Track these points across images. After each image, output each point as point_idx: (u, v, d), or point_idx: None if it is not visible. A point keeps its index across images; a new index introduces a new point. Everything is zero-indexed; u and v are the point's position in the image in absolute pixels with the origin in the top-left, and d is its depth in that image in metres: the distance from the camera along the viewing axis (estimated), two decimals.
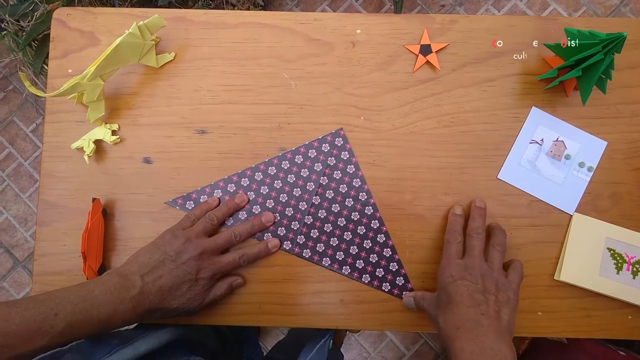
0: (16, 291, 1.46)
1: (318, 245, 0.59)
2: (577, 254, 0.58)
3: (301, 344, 1.06)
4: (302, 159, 0.60)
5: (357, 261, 0.59)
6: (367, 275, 0.59)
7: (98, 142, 0.60)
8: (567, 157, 0.59)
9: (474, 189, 0.60)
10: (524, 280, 0.58)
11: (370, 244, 0.59)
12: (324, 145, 0.60)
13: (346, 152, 0.60)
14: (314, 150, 0.60)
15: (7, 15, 1.07)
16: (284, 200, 0.60)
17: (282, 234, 0.59)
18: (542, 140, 0.60)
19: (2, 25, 1.10)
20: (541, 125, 0.60)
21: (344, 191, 0.60)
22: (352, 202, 0.59)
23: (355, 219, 0.59)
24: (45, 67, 1.09)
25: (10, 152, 1.49)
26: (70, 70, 0.61)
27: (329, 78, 0.61)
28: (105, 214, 0.59)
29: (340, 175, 0.60)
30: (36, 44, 1.10)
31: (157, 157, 0.61)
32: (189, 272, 0.52)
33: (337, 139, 0.60)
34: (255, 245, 0.58)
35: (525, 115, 0.60)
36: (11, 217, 1.48)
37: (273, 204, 0.60)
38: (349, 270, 0.58)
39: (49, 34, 0.63)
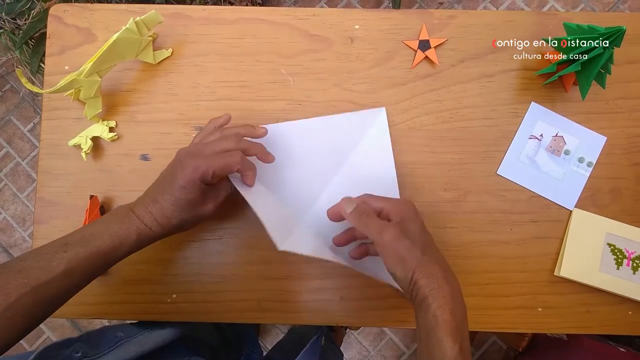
0: None
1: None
2: (577, 250, 0.58)
3: (301, 343, 1.05)
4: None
5: None
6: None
7: (95, 139, 0.60)
8: (567, 152, 0.59)
9: (473, 184, 0.59)
10: (524, 276, 0.58)
11: None
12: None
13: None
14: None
15: (3, 14, 1.06)
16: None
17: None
18: (541, 135, 0.59)
19: None
20: (540, 121, 0.59)
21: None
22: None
23: None
24: (43, 65, 1.09)
25: (7, 151, 1.48)
26: (67, 67, 0.61)
27: (328, 74, 0.61)
28: (103, 211, 0.59)
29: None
30: (33, 42, 1.09)
31: (155, 153, 0.60)
32: (169, 172, 0.50)
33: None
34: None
35: (525, 111, 0.60)
36: (9, 217, 1.47)
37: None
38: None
39: (45, 33, 0.62)
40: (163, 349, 0.58)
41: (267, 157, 0.53)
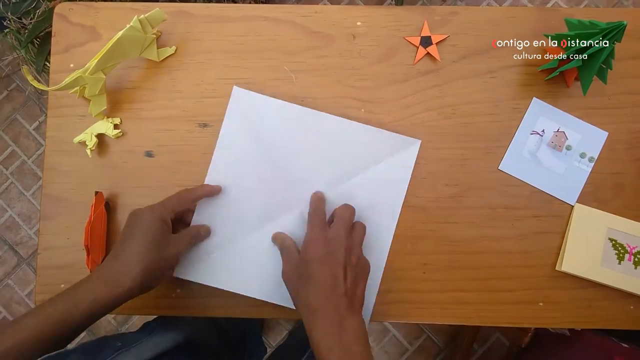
0: (20, 288, 1.47)
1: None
2: (578, 245, 0.58)
3: (300, 350, 1.05)
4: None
5: None
6: None
7: (100, 136, 0.61)
8: (568, 147, 0.59)
9: (475, 180, 0.60)
10: (526, 271, 0.59)
11: None
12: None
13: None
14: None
15: (9, 13, 1.07)
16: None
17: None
18: (543, 131, 0.60)
19: (5, 23, 1.10)
20: (542, 116, 0.60)
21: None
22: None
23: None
24: (48, 64, 1.10)
25: (13, 150, 1.50)
26: (72, 65, 0.62)
27: (330, 71, 0.61)
28: (108, 207, 0.60)
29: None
30: (38, 41, 1.10)
31: (159, 150, 0.61)
32: (129, 233, 0.49)
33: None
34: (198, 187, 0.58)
35: (526, 107, 0.60)
36: (15, 215, 1.49)
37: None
38: None
39: (51, 32, 0.63)
40: (162, 357, 0.59)
41: (215, 191, 0.58)
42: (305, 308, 0.48)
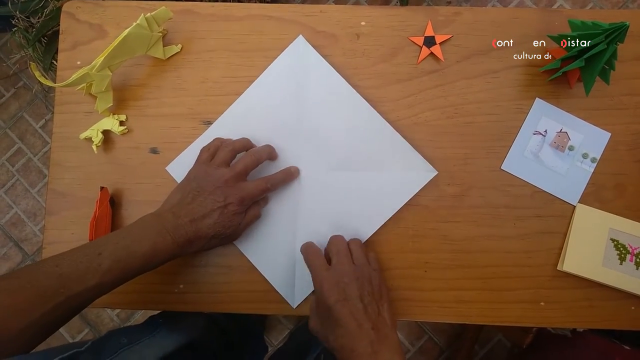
0: None
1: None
2: (580, 245, 0.58)
3: (300, 353, 1.05)
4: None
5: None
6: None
7: (106, 133, 0.61)
8: (571, 148, 0.60)
9: (477, 179, 0.60)
10: (528, 270, 0.59)
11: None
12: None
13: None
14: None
15: (17, 12, 1.09)
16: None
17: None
18: (545, 131, 0.60)
19: (13, 22, 1.12)
20: (545, 117, 0.60)
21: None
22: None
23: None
24: (55, 62, 1.11)
25: (19, 147, 1.51)
26: (79, 62, 0.63)
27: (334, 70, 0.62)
28: (112, 203, 0.60)
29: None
30: (46, 40, 1.11)
31: (164, 147, 0.62)
32: (217, 200, 0.52)
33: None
34: (278, 172, 0.59)
35: (529, 107, 0.60)
36: (20, 212, 1.50)
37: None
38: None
39: (58, 30, 0.64)
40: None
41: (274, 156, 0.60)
42: (339, 353, 0.48)
